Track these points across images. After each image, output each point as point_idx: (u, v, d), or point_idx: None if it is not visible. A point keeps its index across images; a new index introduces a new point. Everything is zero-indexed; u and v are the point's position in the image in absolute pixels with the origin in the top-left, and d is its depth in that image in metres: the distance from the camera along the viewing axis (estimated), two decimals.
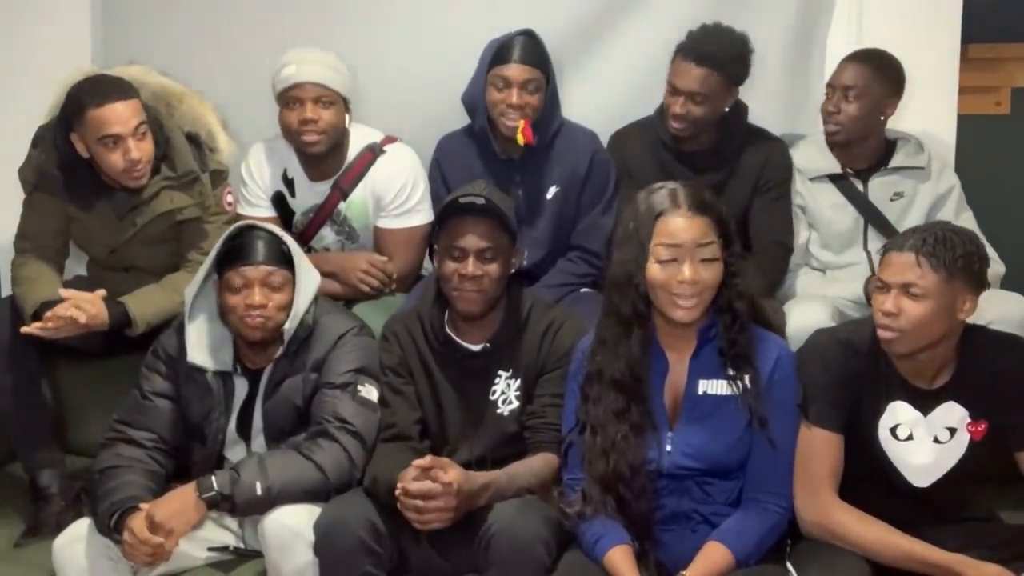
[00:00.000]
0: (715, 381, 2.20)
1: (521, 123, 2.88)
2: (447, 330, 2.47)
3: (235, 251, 2.45)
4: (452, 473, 2.19)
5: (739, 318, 2.18)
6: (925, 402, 2.22)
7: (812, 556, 2.18)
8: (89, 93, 2.66)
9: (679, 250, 2.12)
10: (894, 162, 2.99)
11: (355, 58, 3.03)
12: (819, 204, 2.99)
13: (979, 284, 2.15)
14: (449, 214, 2.40)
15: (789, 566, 2.19)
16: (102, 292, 2.71)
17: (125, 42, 3.27)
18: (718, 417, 2.18)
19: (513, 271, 2.45)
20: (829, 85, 2.96)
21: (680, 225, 2.13)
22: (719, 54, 2.86)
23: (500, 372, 2.44)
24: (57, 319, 2.62)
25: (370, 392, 2.46)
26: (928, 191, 2.97)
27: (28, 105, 2.91)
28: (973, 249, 2.13)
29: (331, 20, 3.29)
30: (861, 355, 2.22)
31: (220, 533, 2.48)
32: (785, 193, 3.01)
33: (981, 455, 2.22)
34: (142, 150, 2.70)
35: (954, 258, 2.09)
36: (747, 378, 2.17)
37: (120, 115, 2.65)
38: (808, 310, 2.73)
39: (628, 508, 2.17)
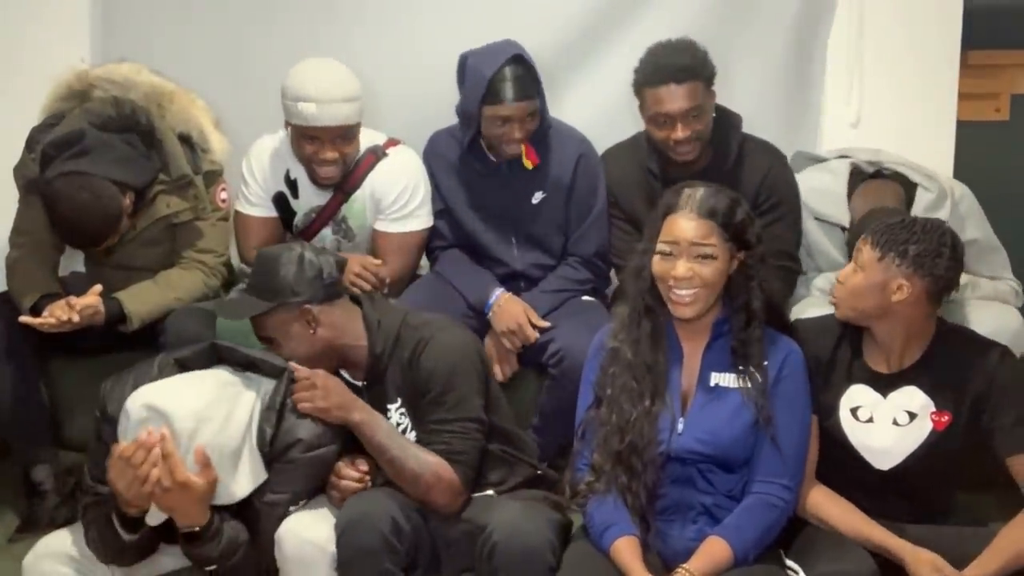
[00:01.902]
0: (727, 374, 2.25)
1: (523, 148, 2.87)
2: (340, 369, 2.45)
3: None
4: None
5: (753, 319, 2.23)
6: (885, 385, 2.31)
7: (816, 550, 2.21)
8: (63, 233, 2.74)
9: (676, 247, 2.20)
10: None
11: (357, 58, 3.02)
12: (826, 244, 2.91)
13: (926, 276, 2.21)
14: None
15: (790, 563, 2.22)
16: (98, 288, 2.71)
17: (123, 39, 3.26)
18: (729, 408, 2.23)
19: (313, 331, 2.37)
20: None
21: (682, 225, 2.20)
22: (692, 63, 2.79)
23: (388, 406, 2.41)
24: (56, 319, 2.62)
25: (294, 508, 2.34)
26: None
27: (26, 102, 2.92)
28: (932, 248, 2.21)
29: (332, 18, 3.29)
30: (825, 340, 2.35)
31: None
32: (791, 209, 2.91)
33: (944, 446, 2.28)
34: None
35: (898, 244, 2.21)
36: (756, 375, 2.22)
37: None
38: (821, 310, 2.71)
39: (637, 481, 2.20)
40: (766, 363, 2.23)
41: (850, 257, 2.39)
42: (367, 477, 2.33)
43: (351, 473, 2.32)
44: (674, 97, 2.78)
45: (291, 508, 2.30)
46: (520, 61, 2.81)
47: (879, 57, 3.25)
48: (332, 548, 2.22)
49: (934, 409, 2.28)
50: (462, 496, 2.32)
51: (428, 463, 2.29)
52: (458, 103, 2.92)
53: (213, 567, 2.23)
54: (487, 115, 2.83)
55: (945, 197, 2.80)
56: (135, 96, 2.81)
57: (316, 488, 2.35)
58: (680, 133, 2.79)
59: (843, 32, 3.27)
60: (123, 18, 3.31)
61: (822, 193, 2.89)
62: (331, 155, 2.84)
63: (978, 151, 3.38)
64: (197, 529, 2.18)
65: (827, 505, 2.27)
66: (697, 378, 2.26)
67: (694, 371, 2.27)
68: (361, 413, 2.32)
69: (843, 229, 2.87)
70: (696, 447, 2.21)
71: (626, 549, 2.14)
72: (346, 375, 2.45)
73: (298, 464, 2.29)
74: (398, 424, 2.40)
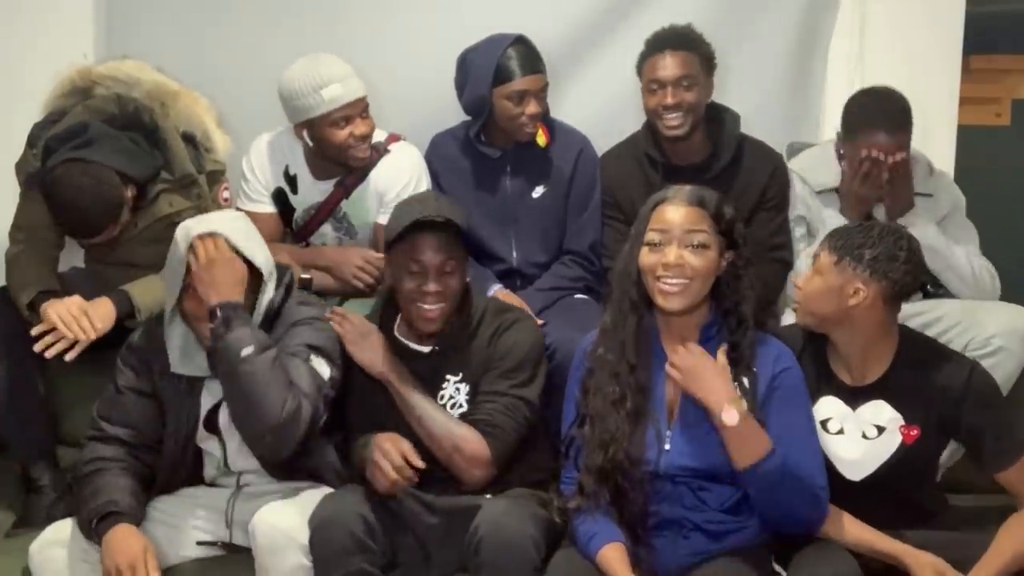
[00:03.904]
0: None
1: (539, 128, 2.94)
2: (395, 332, 2.47)
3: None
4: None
5: (744, 321, 2.20)
6: (853, 398, 2.32)
7: (799, 553, 2.20)
8: (64, 223, 2.71)
9: (667, 234, 2.17)
10: None
11: (358, 57, 3.03)
12: (823, 217, 2.94)
13: (882, 280, 2.21)
14: (405, 231, 2.37)
15: (778, 568, 2.22)
16: (78, 298, 2.69)
17: (128, 36, 3.26)
18: None
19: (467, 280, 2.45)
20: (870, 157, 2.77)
21: (672, 212, 2.18)
22: (692, 37, 2.88)
23: (448, 376, 2.43)
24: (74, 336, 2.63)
25: (321, 367, 2.40)
26: (931, 210, 2.88)
27: (28, 99, 2.90)
28: (893, 252, 2.22)
29: (334, 16, 3.29)
30: (792, 351, 2.30)
31: (207, 530, 2.48)
32: (784, 207, 2.97)
33: (914, 458, 2.30)
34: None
35: (853, 248, 2.22)
36: (746, 381, 2.18)
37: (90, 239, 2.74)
38: None
39: (623, 500, 2.18)
40: (757, 368, 2.19)
41: None
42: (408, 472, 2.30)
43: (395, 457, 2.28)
44: (667, 64, 2.86)
45: (311, 357, 2.36)
46: (523, 41, 2.91)
47: (880, 60, 3.26)
48: (301, 537, 2.23)
49: (903, 423, 2.29)
50: (487, 468, 2.34)
51: (452, 430, 2.34)
52: (464, 97, 2.96)
53: (249, 351, 2.25)
54: (500, 96, 2.88)
55: (932, 169, 2.93)
56: (138, 94, 2.80)
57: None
58: (669, 99, 2.84)
59: (844, 35, 3.29)
60: (127, 15, 3.30)
61: (814, 163, 2.97)
62: (366, 129, 2.89)
63: (979, 156, 3.39)
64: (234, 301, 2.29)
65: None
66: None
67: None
68: (388, 370, 2.37)
69: (837, 190, 2.91)
70: (685, 463, 2.18)
71: (613, 555, 2.12)
72: (401, 337, 2.46)
73: (313, 328, 2.42)
74: (451, 397, 2.42)
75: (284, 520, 2.27)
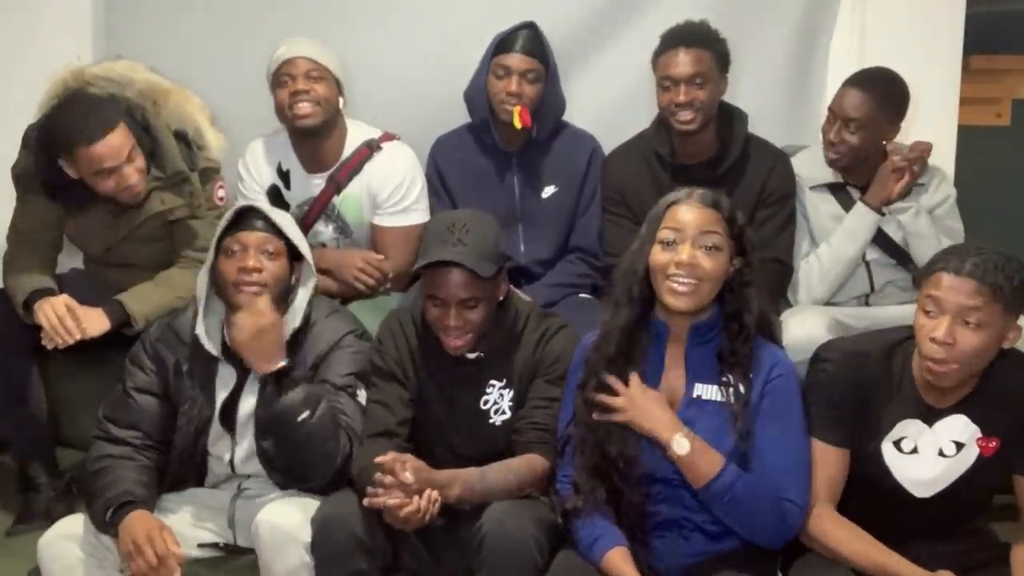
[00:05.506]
0: (710, 386, 2.19)
1: (517, 108, 2.93)
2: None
3: (235, 222, 2.44)
4: (408, 465, 2.18)
5: (745, 328, 2.17)
6: (931, 415, 2.17)
7: (798, 564, 2.17)
8: (78, 131, 2.62)
9: (681, 234, 2.14)
10: None
11: (354, 56, 3.05)
12: (819, 213, 2.96)
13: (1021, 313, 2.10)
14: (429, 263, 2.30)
15: None
16: (65, 297, 2.69)
17: (125, 37, 3.28)
18: (713, 421, 2.16)
19: (501, 298, 2.40)
20: (831, 110, 2.89)
21: (687, 212, 2.15)
22: (706, 34, 2.88)
23: (493, 382, 2.41)
24: (63, 341, 2.63)
25: (363, 398, 2.44)
26: (923, 202, 2.91)
27: (27, 99, 2.89)
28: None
29: (330, 16, 3.29)
30: (874, 370, 2.19)
31: (211, 531, 2.49)
32: (787, 208, 2.96)
33: (988, 472, 2.17)
34: (136, 172, 2.70)
35: (1012, 288, 2.02)
36: (741, 388, 2.16)
37: (112, 148, 2.64)
38: (805, 321, 2.73)
39: (618, 499, 2.16)
40: (751, 375, 2.16)
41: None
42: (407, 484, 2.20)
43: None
44: (680, 61, 2.85)
45: (358, 391, 2.41)
46: (534, 27, 2.98)
47: (881, 60, 3.23)
48: (304, 535, 2.23)
49: (980, 435, 2.15)
50: (549, 476, 2.32)
51: (517, 467, 2.29)
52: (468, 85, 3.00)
53: (304, 415, 2.28)
54: (493, 65, 2.95)
55: (926, 164, 2.91)
56: (131, 93, 2.80)
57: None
58: (682, 97, 2.85)
59: (845, 34, 3.28)
60: (124, 17, 3.31)
61: (807, 162, 3.00)
62: (302, 86, 2.90)
63: (979, 156, 3.38)
64: (284, 364, 2.33)
65: (836, 532, 2.15)
66: (682, 389, 2.19)
67: (676, 384, 2.20)
68: (455, 486, 2.23)
69: (829, 186, 2.94)
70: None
71: (620, 560, 2.10)
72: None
73: (356, 349, 2.49)
74: (495, 403, 2.41)
75: (287, 519, 2.27)
